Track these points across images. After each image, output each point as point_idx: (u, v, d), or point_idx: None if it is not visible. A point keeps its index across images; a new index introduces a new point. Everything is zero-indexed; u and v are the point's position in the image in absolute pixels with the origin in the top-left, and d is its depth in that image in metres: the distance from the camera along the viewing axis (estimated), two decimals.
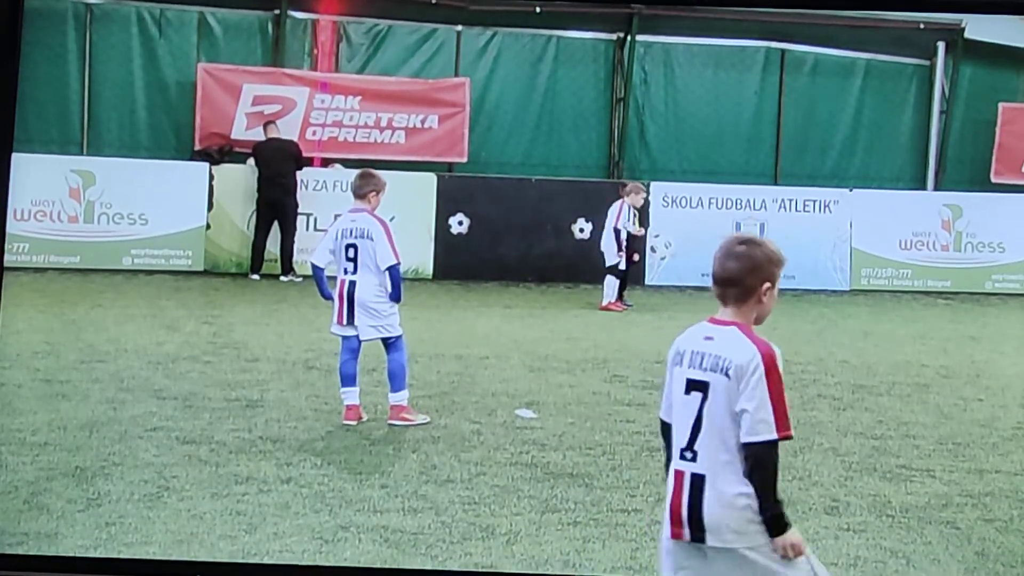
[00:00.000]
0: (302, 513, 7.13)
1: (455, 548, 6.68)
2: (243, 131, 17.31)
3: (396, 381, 9.15)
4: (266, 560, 6.43)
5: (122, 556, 6.37)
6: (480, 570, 6.40)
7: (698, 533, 4.33)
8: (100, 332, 12.23)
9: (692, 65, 19.36)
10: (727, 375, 4.28)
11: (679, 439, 4.40)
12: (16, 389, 9.71)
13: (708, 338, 4.39)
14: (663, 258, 18.02)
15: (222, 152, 17.33)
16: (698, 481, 4.33)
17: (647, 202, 17.28)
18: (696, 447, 4.34)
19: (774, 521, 4.28)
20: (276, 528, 6.87)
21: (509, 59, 18.98)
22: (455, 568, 6.42)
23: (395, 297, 9.15)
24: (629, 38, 18.84)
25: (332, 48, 18.35)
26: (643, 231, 16.48)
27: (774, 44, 19.47)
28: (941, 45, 19.58)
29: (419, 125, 17.98)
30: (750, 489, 4.28)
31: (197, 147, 17.32)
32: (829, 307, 16.62)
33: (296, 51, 18.22)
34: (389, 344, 9.18)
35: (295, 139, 17.20)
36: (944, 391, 11.15)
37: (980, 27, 18.83)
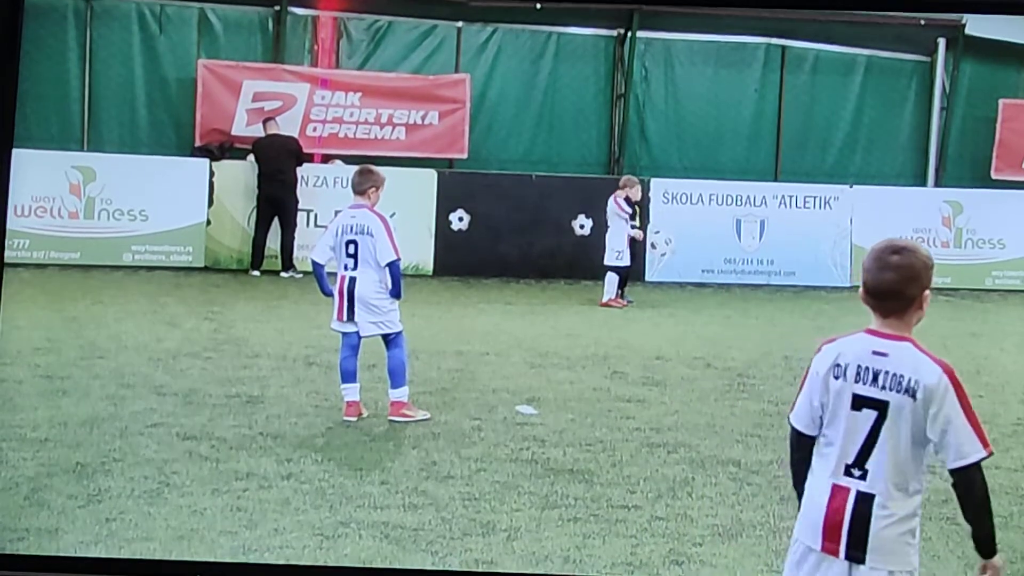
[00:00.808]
0: (302, 509, 7.13)
1: (455, 544, 6.68)
2: (243, 127, 17.30)
3: (396, 377, 9.15)
4: (266, 556, 6.42)
5: (123, 552, 6.37)
6: (480, 569, 6.40)
7: (857, 552, 4.14)
8: (100, 328, 12.23)
9: (692, 62, 19.34)
10: (913, 396, 4.10)
11: (842, 454, 4.20)
12: (17, 385, 9.71)
13: (879, 353, 4.17)
14: (663, 254, 18.02)
15: (222, 148, 17.32)
16: (866, 499, 4.15)
17: (647, 199, 17.31)
18: (867, 465, 4.16)
19: (989, 542, 4.21)
20: (276, 524, 6.87)
21: (509, 55, 18.97)
22: (455, 565, 6.42)
23: (395, 293, 9.15)
24: (629, 34, 18.82)
25: (332, 44, 18.34)
26: (641, 235, 16.45)
27: (775, 41, 19.46)
28: (942, 41, 19.58)
29: (419, 121, 17.97)
30: (916, 509, 4.19)
31: (197, 143, 17.31)
32: (829, 303, 16.61)
33: (296, 47, 18.21)
34: (389, 340, 9.18)
35: (295, 135, 17.20)
36: None
37: (981, 24, 18.82)
